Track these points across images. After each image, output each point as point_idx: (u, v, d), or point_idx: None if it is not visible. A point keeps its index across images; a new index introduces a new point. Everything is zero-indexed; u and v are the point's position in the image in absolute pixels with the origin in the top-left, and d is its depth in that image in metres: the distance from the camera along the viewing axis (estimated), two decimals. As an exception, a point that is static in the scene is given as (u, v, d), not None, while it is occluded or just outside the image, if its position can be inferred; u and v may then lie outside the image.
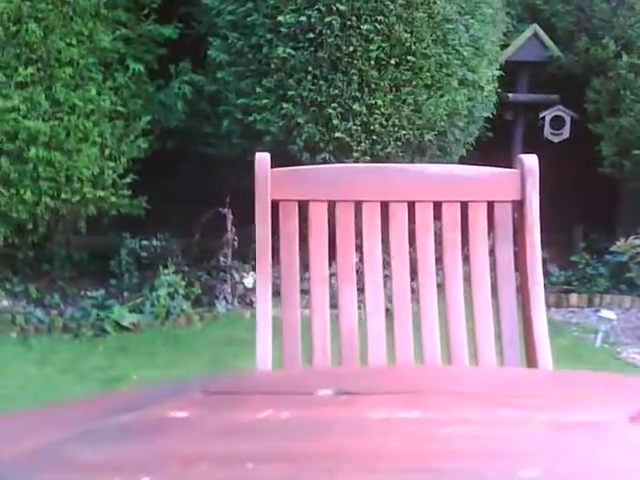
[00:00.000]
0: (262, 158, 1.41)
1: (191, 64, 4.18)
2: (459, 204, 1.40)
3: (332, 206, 1.39)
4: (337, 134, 3.79)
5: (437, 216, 1.40)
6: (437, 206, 1.40)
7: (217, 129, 4.11)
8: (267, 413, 0.82)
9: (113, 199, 4.03)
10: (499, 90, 4.41)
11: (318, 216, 1.38)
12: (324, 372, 1.26)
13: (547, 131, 4.79)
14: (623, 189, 4.82)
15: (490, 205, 1.41)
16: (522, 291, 1.40)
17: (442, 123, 3.94)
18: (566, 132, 4.78)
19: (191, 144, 4.26)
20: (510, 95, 4.77)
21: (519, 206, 1.42)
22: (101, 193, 3.95)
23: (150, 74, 4.14)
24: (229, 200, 4.16)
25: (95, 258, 4.53)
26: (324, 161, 3.84)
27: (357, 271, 1.36)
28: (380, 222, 1.38)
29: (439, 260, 1.39)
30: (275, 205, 1.41)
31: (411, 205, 1.39)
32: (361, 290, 1.35)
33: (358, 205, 1.39)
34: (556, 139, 4.79)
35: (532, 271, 1.38)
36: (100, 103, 3.87)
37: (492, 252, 1.41)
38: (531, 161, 1.41)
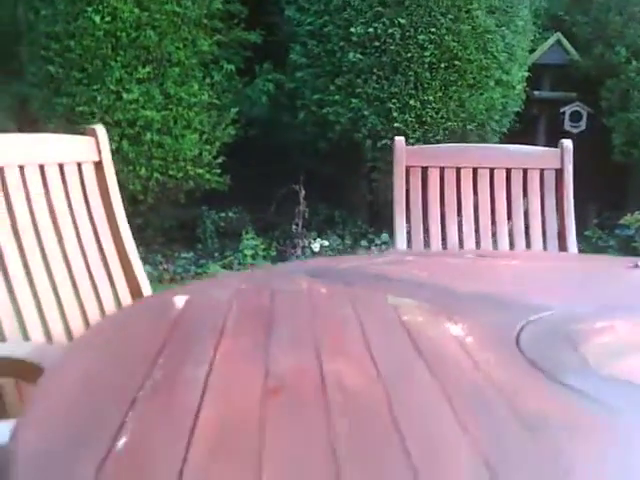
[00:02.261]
0: (400, 140, 2.24)
1: (272, 65, 5.01)
2: (522, 170, 2.25)
3: (442, 170, 2.22)
4: (396, 124, 4.62)
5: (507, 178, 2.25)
6: (508, 171, 2.24)
7: (293, 120, 4.95)
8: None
9: (207, 176, 4.88)
10: (527, 89, 5.23)
11: (434, 178, 2.21)
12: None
13: (567, 124, 5.59)
14: (631, 174, 5.62)
15: (541, 172, 2.25)
16: (560, 226, 2.24)
17: (481, 116, 4.77)
18: (583, 125, 5.57)
19: (270, 132, 5.10)
20: (536, 93, 5.57)
21: (559, 172, 2.27)
22: (199, 171, 4.79)
23: (239, 73, 4.96)
24: (302, 180, 5.01)
25: (180, 227, 5.38)
26: (385, 147, 4.68)
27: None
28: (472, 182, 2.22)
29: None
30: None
31: (492, 170, 2.23)
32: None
33: (458, 170, 2.23)
34: (574, 131, 5.58)
35: (567, 212, 2.22)
36: (200, 97, 4.71)
37: (541, 201, 2.25)
38: (568, 143, 2.25)
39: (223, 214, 5.38)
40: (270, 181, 5.29)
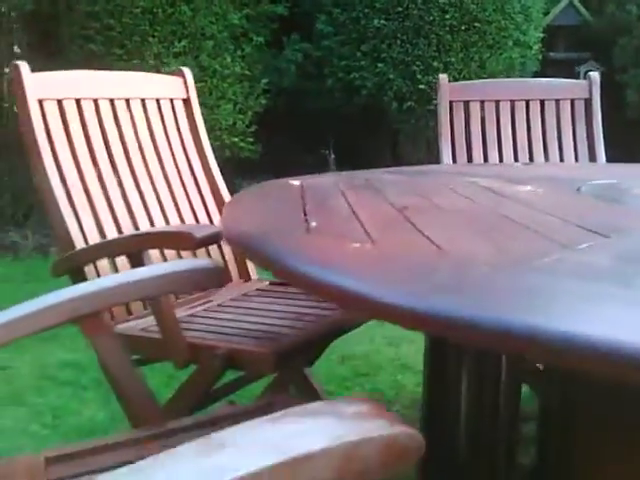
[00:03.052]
0: (443, 77, 2.48)
1: (299, 35, 5.25)
2: (554, 101, 2.48)
3: (482, 103, 2.46)
4: (420, 86, 4.86)
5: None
6: (542, 102, 2.47)
7: (321, 87, 5.19)
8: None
9: (242, 144, 5.13)
10: (542, 50, 5.44)
11: (475, 110, 2.45)
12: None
13: (582, 83, 5.80)
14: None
15: (572, 102, 2.49)
16: (590, 150, 2.48)
17: (501, 76, 4.99)
18: (597, 83, 5.78)
19: (299, 101, 5.35)
20: (551, 53, 5.79)
21: (588, 102, 2.50)
22: (234, 139, 5.04)
23: (267, 45, 5.21)
24: (332, 144, 5.26)
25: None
26: (409, 109, 4.92)
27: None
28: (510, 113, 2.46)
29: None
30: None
31: (527, 102, 2.47)
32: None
33: (497, 102, 2.46)
34: (598, 74, 5.79)
35: (597, 137, 2.46)
36: (233, 69, 4.96)
37: (573, 128, 2.49)
38: (595, 75, 2.49)
39: (255, 183, 5.63)
40: (300, 148, 5.54)
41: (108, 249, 1.51)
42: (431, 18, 4.73)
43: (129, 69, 4.58)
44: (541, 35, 5.37)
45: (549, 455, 1.05)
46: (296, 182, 1.41)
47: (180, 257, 1.67)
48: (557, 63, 5.93)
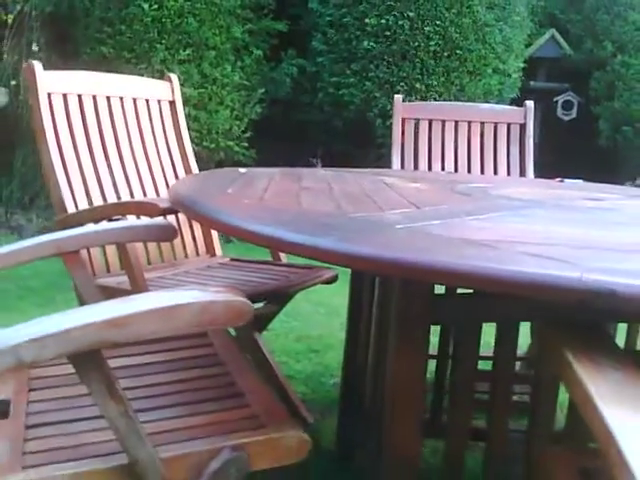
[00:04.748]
0: (398, 97, 2.87)
1: (296, 51, 5.66)
2: (493, 124, 2.87)
3: (430, 122, 2.85)
4: (403, 105, 5.24)
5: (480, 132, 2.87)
6: (482, 124, 2.86)
7: (313, 100, 5.59)
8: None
9: (237, 148, 5.53)
10: (523, 79, 5.84)
11: (424, 127, 2.84)
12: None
13: (559, 112, 6.20)
14: (616, 157, 6.21)
15: (508, 125, 2.88)
16: (521, 166, 2.86)
17: (478, 100, 5.38)
18: (574, 113, 6.18)
19: (291, 111, 5.75)
20: (531, 83, 6.18)
21: (522, 127, 2.89)
22: (230, 143, 5.45)
23: (266, 58, 5.62)
24: (319, 154, 5.66)
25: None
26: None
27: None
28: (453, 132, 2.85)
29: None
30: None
31: (469, 123, 2.85)
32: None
33: (443, 122, 2.85)
34: (566, 118, 6.20)
35: (528, 155, 2.84)
36: (232, 78, 5.36)
37: (507, 148, 2.87)
38: (530, 104, 2.88)
39: (248, 186, 6.02)
40: (290, 155, 5.93)
41: (93, 213, 1.90)
42: (416, 44, 5.14)
43: (137, 73, 5.03)
44: (522, 65, 5.76)
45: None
46: (243, 170, 1.80)
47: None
48: (537, 92, 6.33)
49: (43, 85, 2.05)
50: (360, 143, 5.71)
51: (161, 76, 5.12)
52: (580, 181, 2.32)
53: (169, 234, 1.48)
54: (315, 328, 3.17)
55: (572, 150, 5.76)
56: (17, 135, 5.57)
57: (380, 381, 1.83)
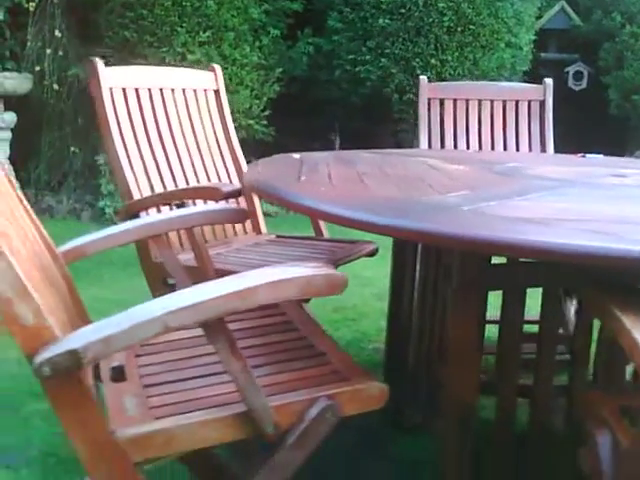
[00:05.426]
0: (423, 78, 3.03)
1: (312, 30, 5.80)
2: (514, 101, 3.03)
3: (455, 101, 3.01)
4: (419, 80, 5.39)
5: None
6: (504, 102, 3.02)
7: (330, 77, 5.74)
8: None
9: (257, 127, 5.69)
10: (534, 51, 5.96)
11: (449, 106, 3.01)
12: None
13: (570, 82, 6.33)
14: (627, 125, 6.35)
15: (529, 102, 3.04)
16: (542, 141, 3.03)
17: (492, 73, 5.53)
18: (584, 83, 6.31)
19: (309, 89, 5.90)
20: (542, 54, 6.31)
21: (542, 103, 3.05)
22: (250, 122, 5.61)
23: (283, 37, 5.75)
24: (337, 129, 5.83)
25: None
26: (409, 100, 5.47)
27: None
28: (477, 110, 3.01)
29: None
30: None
31: (492, 102, 3.02)
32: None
33: (467, 101, 3.02)
34: (577, 88, 6.32)
35: (548, 130, 3.01)
36: (251, 58, 5.51)
37: (528, 123, 3.04)
38: (549, 81, 3.04)
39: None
40: (308, 132, 6.10)
41: (161, 198, 2.09)
42: (430, 20, 5.27)
43: (159, 56, 5.18)
44: (533, 37, 5.89)
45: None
46: (297, 155, 1.98)
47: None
48: (548, 63, 6.46)
49: (105, 80, 2.22)
50: (377, 119, 5.87)
51: (183, 58, 5.32)
52: (600, 156, 2.49)
53: (242, 216, 1.67)
54: (350, 299, 3.37)
55: (583, 119, 5.90)
56: (43, 120, 5.74)
57: (424, 345, 2.03)
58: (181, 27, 5.24)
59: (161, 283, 2.24)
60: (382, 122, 5.96)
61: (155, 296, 2.25)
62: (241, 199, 2.45)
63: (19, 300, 1.02)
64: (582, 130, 5.77)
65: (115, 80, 2.27)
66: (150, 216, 1.65)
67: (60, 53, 5.72)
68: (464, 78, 5.39)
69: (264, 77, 5.67)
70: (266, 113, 5.74)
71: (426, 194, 1.33)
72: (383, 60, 5.39)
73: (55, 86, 5.70)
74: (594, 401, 1.21)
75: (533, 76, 6.16)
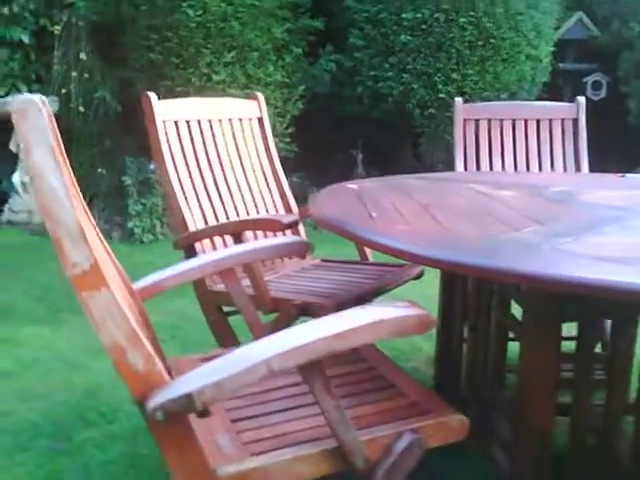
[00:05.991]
0: (459, 100, 3.08)
1: (333, 47, 5.87)
2: (548, 120, 3.08)
3: (489, 121, 3.06)
4: (440, 95, 5.46)
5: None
6: (537, 121, 3.07)
7: (352, 94, 5.81)
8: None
9: (280, 145, 5.75)
10: (553, 62, 6.01)
11: (484, 127, 3.06)
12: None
13: (589, 92, 6.36)
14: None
15: (562, 121, 3.09)
16: (576, 160, 3.07)
17: (513, 86, 5.58)
18: (603, 93, 6.34)
19: (331, 105, 5.96)
20: (561, 65, 6.35)
21: (575, 122, 3.10)
22: (275, 140, 5.66)
23: (305, 55, 5.83)
24: (360, 145, 5.89)
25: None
26: (430, 115, 5.53)
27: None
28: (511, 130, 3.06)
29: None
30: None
31: (525, 121, 3.07)
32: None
33: (501, 121, 3.06)
34: (595, 98, 6.35)
35: (582, 149, 3.05)
36: (275, 77, 5.58)
37: (562, 142, 3.08)
38: (582, 99, 3.08)
39: (292, 178, 6.26)
40: (331, 148, 6.16)
41: (219, 230, 2.15)
42: (452, 35, 5.33)
43: (185, 77, 5.25)
44: (552, 49, 5.94)
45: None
46: (353, 185, 2.04)
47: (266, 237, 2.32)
48: (566, 74, 6.50)
49: (159, 114, 2.29)
50: (398, 133, 5.93)
51: (208, 79, 5.39)
52: (639, 175, 2.54)
53: (307, 248, 1.73)
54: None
55: (603, 129, 5.92)
56: (70, 142, 5.83)
57: (478, 368, 2.07)
58: (206, 48, 5.32)
59: (215, 310, 2.30)
60: (403, 137, 6.02)
61: (210, 322, 2.31)
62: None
63: (131, 348, 1.08)
64: (602, 140, 5.78)
65: (168, 113, 2.34)
66: (219, 251, 1.70)
67: (86, 75, 5.83)
68: (485, 92, 5.45)
69: (287, 95, 5.74)
70: (289, 131, 5.81)
71: (500, 230, 1.38)
72: (405, 76, 5.45)
73: (81, 108, 5.80)
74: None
75: (552, 87, 6.22)
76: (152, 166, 5.52)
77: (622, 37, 6.05)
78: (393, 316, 1.16)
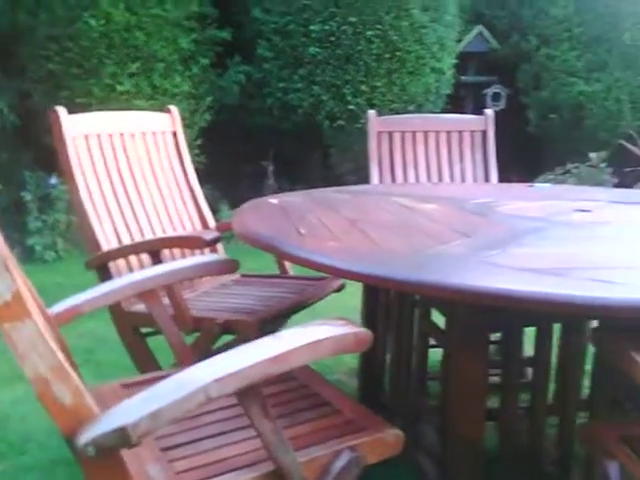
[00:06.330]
0: (372, 112, 3.11)
1: (241, 58, 5.83)
2: (457, 132, 3.16)
3: (403, 134, 3.11)
4: (350, 107, 5.51)
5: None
6: (448, 133, 3.14)
7: (262, 105, 5.78)
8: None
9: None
10: (455, 74, 6.19)
11: (397, 139, 3.10)
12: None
13: (489, 103, 6.59)
14: (544, 144, 6.67)
15: (472, 133, 3.18)
16: (485, 170, 3.17)
17: (420, 98, 5.71)
18: (503, 104, 6.59)
19: (240, 117, 5.92)
20: (462, 77, 6.56)
21: (484, 133, 3.19)
22: (183, 151, 5.56)
23: (212, 66, 5.76)
24: (271, 156, 5.87)
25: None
26: (340, 127, 5.58)
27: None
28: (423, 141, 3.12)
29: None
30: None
31: (437, 133, 3.13)
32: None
33: (414, 133, 3.12)
34: (496, 109, 6.56)
35: (490, 160, 3.15)
36: (182, 88, 5.49)
37: (472, 153, 3.17)
38: (490, 112, 3.18)
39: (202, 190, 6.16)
40: (241, 160, 6.11)
41: (137, 248, 2.07)
42: (359, 47, 5.40)
43: (87, 88, 5.08)
44: (454, 61, 6.12)
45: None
46: (274, 200, 2.01)
47: (185, 256, 2.25)
48: (468, 85, 6.71)
49: (68, 129, 2.19)
50: (309, 145, 5.95)
51: (112, 90, 5.24)
52: (548, 185, 2.64)
53: (234, 266, 1.69)
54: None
55: (503, 139, 6.14)
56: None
57: (402, 378, 2.09)
58: (109, 58, 5.17)
59: (132, 331, 2.21)
60: (314, 148, 6.04)
61: (127, 344, 2.22)
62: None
63: (57, 380, 1.01)
64: (502, 150, 5.99)
65: (77, 127, 2.24)
66: (140, 272, 1.63)
67: (-19, 87, 5.54)
68: (394, 104, 5.55)
69: (195, 106, 5.65)
70: (198, 142, 5.72)
71: (428, 244, 1.39)
72: (314, 87, 5.48)
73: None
74: (598, 432, 1.30)
75: (455, 98, 6.40)
76: (53, 180, 5.31)
77: (521, 50, 6.31)
78: (330, 335, 1.14)
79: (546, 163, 6.53)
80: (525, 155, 6.49)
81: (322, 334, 1.14)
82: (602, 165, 5.73)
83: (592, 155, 5.81)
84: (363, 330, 1.17)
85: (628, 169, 5.68)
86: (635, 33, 5.92)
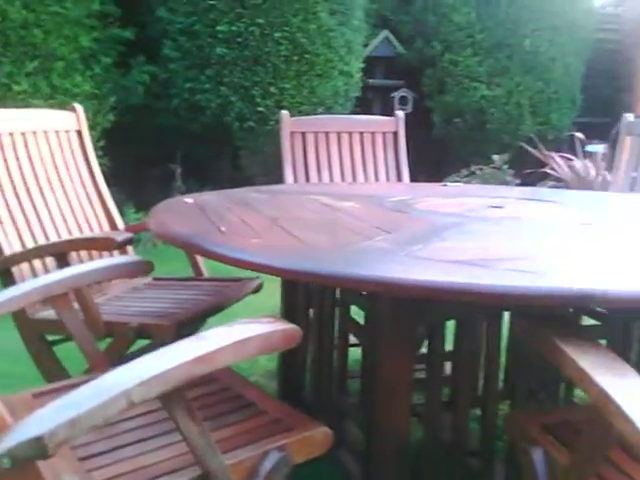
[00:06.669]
0: (285, 113, 3.09)
1: (146, 58, 5.68)
2: (370, 133, 3.18)
3: (316, 134, 3.10)
4: (259, 108, 5.47)
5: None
6: (361, 134, 3.16)
7: (168, 106, 5.65)
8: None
9: (93, 158, 5.46)
10: (363, 77, 6.26)
11: (310, 139, 3.09)
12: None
13: (396, 106, 6.70)
14: (449, 146, 6.85)
15: (383, 134, 3.20)
16: (397, 169, 3.21)
17: (329, 101, 5.73)
18: (410, 107, 6.71)
19: (146, 118, 5.77)
20: (370, 81, 6.64)
21: (395, 134, 3.23)
22: (86, 153, 5.36)
23: (115, 65, 5.58)
24: (178, 158, 5.75)
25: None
26: (250, 129, 5.53)
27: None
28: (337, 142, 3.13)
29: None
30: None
31: (350, 134, 3.15)
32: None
33: (327, 134, 3.12)
34: (402, 112, 6.70)
35: (402, 160, 3.19)
36: (82, 87, 5.29)
37: (384, 153, 3.20)
38: (401, 114, 3.22)
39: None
40: (147, 162, 5.95)
41: (43, 251, 1.97)
42: (267, 49, 5.37)
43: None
44: (362, 65, 6.18)
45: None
46: (190, 200, 1.95)
47: (93, 258, 2.15)
48: (375, 89, 6.81)
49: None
50: (218, 146, 5.86)
51: (8, 89, 4.99)
52: (460, 184, 2.69)
53: (148, 268, 1.62)
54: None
55: (410, 142, 6.27)
56: None
57: (324, 376, 2.07)
58: (5, 57, 4.92)
59: (38, 339, 2.10)
60: (223, 149, 5.96)
61: (33, 353, 2.11)
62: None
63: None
64: (409, 152, 6.11)
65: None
66: (48, 276, 1.54)
67: None
68: (303, 106, 5.55)
69: (97, 107, 5.46)
70: (101, 143, 5.53)
71: (353, 240, 1.38)
72: (222, 89, 5.41)
73: None
74: (521, 421, 1.32)
75: (363, 101, 6.47)
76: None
77: (425, 55, 6.45)
78: (258, 333, 1.11)
79: (451, 165, 6.71)
80: (431, 157, 6.64)
81: (249, 332, 1.10)
82: (505, 167, 5.94)
83: (495, 157, 6.01)
84: (292, 326, 1.14)
85: (529, 170, 5.91)
86: (535, 39, 6.18)
